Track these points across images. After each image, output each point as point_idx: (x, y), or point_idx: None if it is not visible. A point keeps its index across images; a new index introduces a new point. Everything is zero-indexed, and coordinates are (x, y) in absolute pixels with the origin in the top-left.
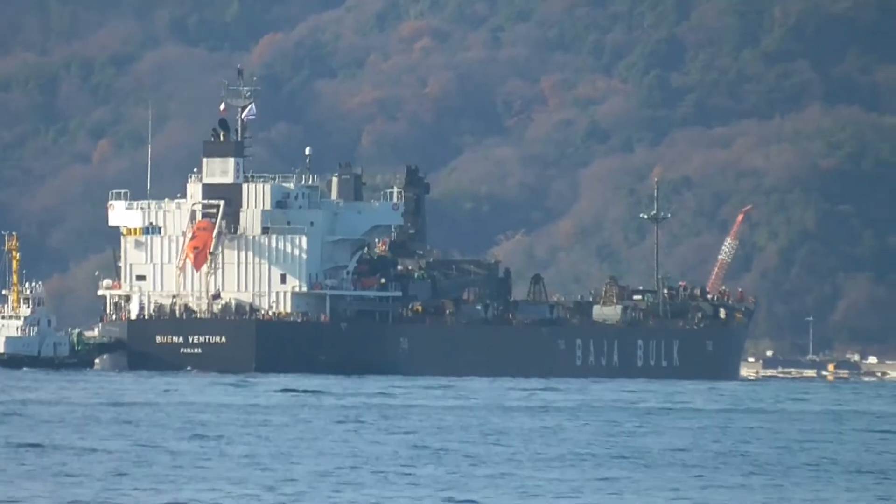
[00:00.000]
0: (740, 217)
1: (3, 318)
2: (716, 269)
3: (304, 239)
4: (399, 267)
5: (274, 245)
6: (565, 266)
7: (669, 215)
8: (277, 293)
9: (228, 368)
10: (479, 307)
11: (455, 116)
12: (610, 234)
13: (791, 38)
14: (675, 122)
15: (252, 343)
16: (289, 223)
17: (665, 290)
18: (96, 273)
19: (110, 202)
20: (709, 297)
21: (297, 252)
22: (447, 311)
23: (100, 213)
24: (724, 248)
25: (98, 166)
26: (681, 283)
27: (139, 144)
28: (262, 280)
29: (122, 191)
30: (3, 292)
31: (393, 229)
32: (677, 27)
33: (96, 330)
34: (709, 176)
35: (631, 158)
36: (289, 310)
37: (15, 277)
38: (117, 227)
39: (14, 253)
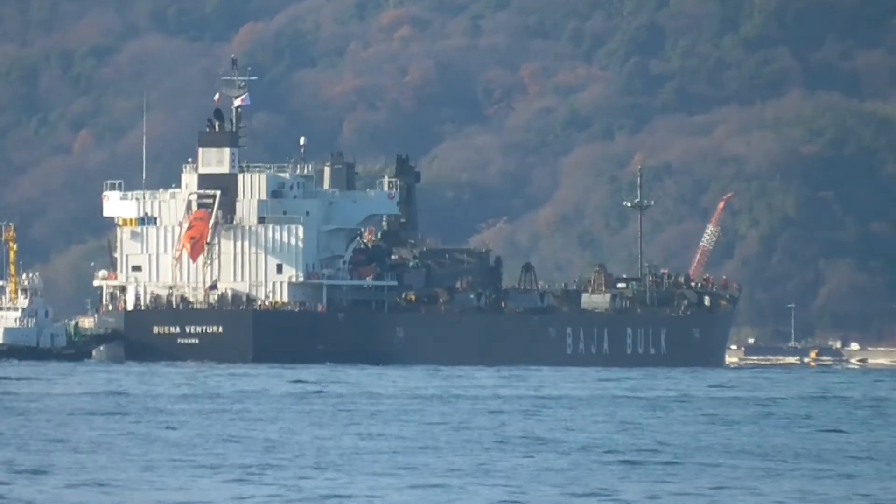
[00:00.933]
0: (721, 204)
1: (1, 309)
2: (697, 257)
3: (300, 229)
4: (394, 256)
5: (270, 235)
6: (547, 254)
7: (653, 203)
8: (274, 283)
9: (225, 358)
10: (472, 296)
11: (436, 105)
12: (591, 221)
13: (771, 24)
14: (655, 109)
15: (249, 333)
16: (284, 213)
17: (649, 278)
18: (91, 264)
19: (105, 193)
20: (693, 284)
21: (293, 242)
22: (440, 300)
23: (81, 203)
24: (705, 235)
25: (79, 157)
26: (663, 270)
27: (120, 135)
28: (259, 270)
29: (117, 181)
30: (1, 283)
31: (384, 218)
32: (657, 14)
33: (86, 320)
34: (690, 163)
35: (611, 146)
36: (285, 300)
37: (12, 268)
38: (111, 218)
39: (11, 244)
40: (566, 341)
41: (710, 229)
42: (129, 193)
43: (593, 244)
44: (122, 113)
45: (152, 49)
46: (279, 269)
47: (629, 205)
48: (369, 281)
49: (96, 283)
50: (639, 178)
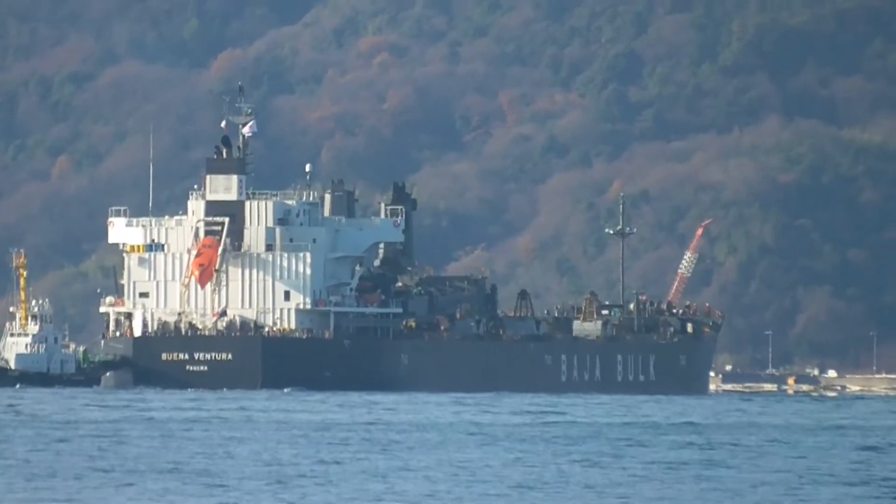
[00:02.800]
0: (700, 231)
1: (11, 335)
2: (676, 283)
3: (308, 256)
4: (398, 284)
5: (278, 262)
6: (524, 281)
7: (635, 230)
8: (281, 310)
9: (235, 385)
10: (472, 323)
11: (413, 131)
12: (569, 248)
13: (749, 51)
14: (633, 136)
15: (258, 359)
16: (291, 240)
17: (631, 305)
18: (98, 290)
19: (110, 219)
20: (675, 311)
21: (301, 269)
22: (442, 328)
23: (59, 229)
24: (683, 262)
25: (57, 183)
26: (641, 296)
27: (98, 161)
28: (267, 297)
29: (122, 207)
30: (11, 309)
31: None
32: (635, 41)
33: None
34: (667, 190)
35: (589, 173)
36: (293, 326)
37: (23, 294)
38: (116, 244)
39: (21, 270)
40: (561, 368)
41: (688, 256)
42: (135, 220)
43: (571, 271)
44: (100, 139)
45: (131, 75)
46: (286, 296)
47: (611, 232)
48: (375, 308)
49: (102, 309)
50: (621, 206)
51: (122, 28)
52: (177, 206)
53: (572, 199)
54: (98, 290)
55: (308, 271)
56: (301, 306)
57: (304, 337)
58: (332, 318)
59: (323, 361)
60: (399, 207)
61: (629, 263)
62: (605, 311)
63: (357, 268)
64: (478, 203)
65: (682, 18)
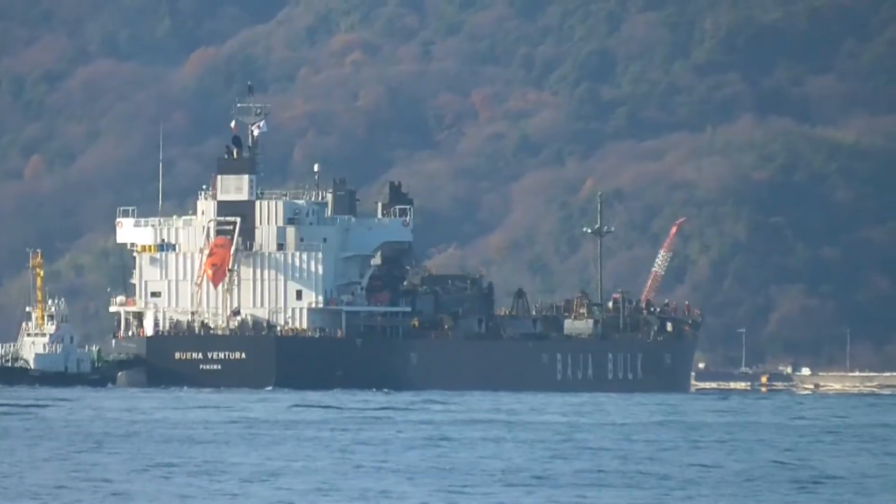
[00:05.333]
0: (674, 229)
1: (28, 335)
2: (650, 282)
3: (320, 255)
4: (406, 282)
5: (290, 261)
6: (497, 280)
7: (613, 229)
8: (293, 309)
9: (248, 384)
10: (474, 322)
11: (386, 130)
12: (542, 247)
13: (722, 49)
14: (606, 134)
15: (272, 359)
16: (302, 240)
17: (609, 304)
18: (108, 290)
19: (118, 219)
20: (654, 310)
21: (313, 268)
22: (446, 326)
23: (32, 228)
24: (657, 260)
25: (30, 183)
26: (615, 294)
27: (71, 161)
28: (279, 296)
29: (130, 208)
30: (28, 309)
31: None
32: (608, 40)
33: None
34: (640, 189)
35: (562, 171)
36: (304, 326)
37: (39, 294)
38: (125, 244)
39: (38, 270)
40: (556, 367)
41: (662, 254)
42: (144, 220)
43: (543, 270)
44: (73, 138)
45: (104, 74)
46: (298, 295)
47: (589, 231)
48: (385, 307)
49: (112, 308)
50: (598, 204)
51: (94, 27)
52: (150, 206)
53: (545, 198)
54: (108, 290)
55: (320, 270)
56: (313, 305)
57: (318, 336)
58: (344, 317)
59: (336, 360)
60: (408, 207)
61: (602, 262)
62: (582, 310)
63: (369, 266)
64: (450, 201)
65: (654, 17)
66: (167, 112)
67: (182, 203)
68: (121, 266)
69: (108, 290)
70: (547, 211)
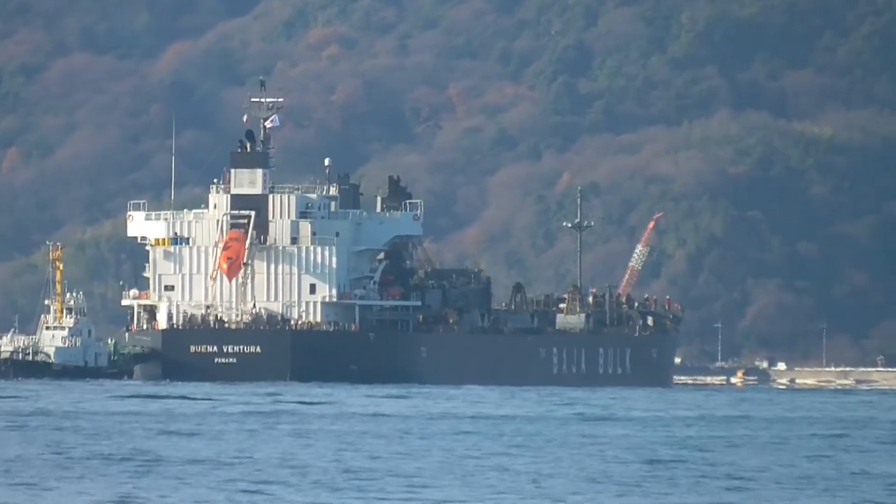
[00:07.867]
0: (652, 224)
1: (47, 328)
2: (626, 276)
3: (334, 249)
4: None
5: (304, 255)
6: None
7: (592, 223)
8: (307, 303)
9: (263, 378)
10: (476, 316)
11: (363, 123)
12: (518, 241)
13: (699, 44)
14: (583, 128)
15: (287, 353)
16: (315, 233)
17: (589, 298)
18: (121, 283)
19: (129, 213)
20: (635, 304)
21: (327, 262)
22: (451, 320)
23: (8, 221)
24: (634, 255)
25: (7, 175)
26: (592, 289)
27: (48, 153)
28: (293, 290)
29: (140, 201)
30: (46, 302)
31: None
32: (584, 34)
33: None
34: (617, 183)
35: (539, 165)
36: (318, 319)
37: (59, 287)
38: (136, 237)
39: (58, 263)
40: (553, 361)
41: (639, 249)
42: (155, 213)
43: (519, 264)
44: (50, 131)
45: (81, 67)
46: (312, 289)
47: (569, 225)
48: (397, 301)
49: (125, 302)
50: (578, 199)
51: (72, 20)
52: (125, 198)
53: (522, 192)
54: (121, 283)
55: (334, 264)
56: (327, 299)
57: (332, 330)
58: (358, 311)
59: (350, 354)
60: (419, 201)
61: (579, 256)
62: (562, 304)
63: (376, 260)
64: (427, 195)
65: (631, 11)
66: (145, 105)
67: (159, 196)
68: (132, 263)
69: (121, 283)
70: (523, 205)
